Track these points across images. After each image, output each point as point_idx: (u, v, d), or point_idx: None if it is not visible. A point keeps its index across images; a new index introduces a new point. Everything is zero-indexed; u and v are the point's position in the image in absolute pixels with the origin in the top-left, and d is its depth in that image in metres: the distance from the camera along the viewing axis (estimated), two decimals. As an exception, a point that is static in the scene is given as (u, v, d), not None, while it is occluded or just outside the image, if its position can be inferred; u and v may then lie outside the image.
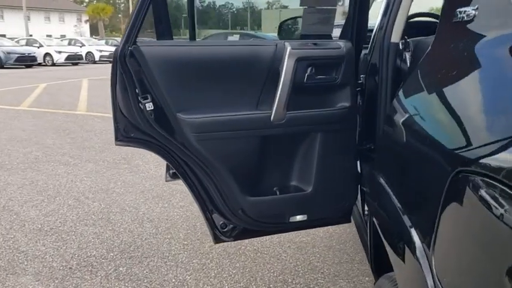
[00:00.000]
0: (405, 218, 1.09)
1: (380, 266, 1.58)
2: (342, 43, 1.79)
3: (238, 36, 15.45)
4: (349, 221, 2.06)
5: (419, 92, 1.25)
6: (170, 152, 1.74)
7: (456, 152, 0.85)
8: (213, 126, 1.70)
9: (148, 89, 1.64)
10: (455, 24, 1.09)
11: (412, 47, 1.76)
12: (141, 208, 3.43)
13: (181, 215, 3.28)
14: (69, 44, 24.89)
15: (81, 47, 23.99)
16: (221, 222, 1.87)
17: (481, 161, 0.75)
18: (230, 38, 15.07)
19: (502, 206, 0.68)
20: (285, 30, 3.13)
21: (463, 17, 1.03)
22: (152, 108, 1.64)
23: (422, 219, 1.01)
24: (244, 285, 2.38)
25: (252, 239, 2.71)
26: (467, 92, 0.92)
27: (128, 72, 1.60)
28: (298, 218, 1.88)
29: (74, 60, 22.18)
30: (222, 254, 2.69)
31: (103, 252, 2.73)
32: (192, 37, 2.00)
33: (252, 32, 21.97)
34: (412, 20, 2.59)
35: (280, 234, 2.80)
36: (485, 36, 0.96)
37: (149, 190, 3.83)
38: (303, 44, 1.77)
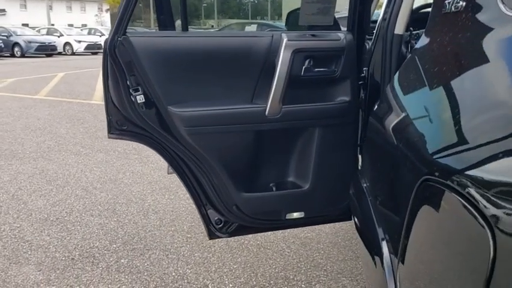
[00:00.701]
0: (379, 229, 1.03)
1: None
2: (342, 34, 1.72)
3: (255, 26, 15.32)
4: (350, 219, 1.99)
5: (401, 88, 1.17)
6: (163, 145, 1.70)
7: (425, 157, 0.78)
8: (205, 120, 1.65)
9: (139, 81, 1.60)
10: (444, 16, 1.02)
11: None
12: (148, 199, 3.42)
13: (187, 207, 3.26)
14: (89, 33, 25.11)
15: (100, 36, 24.14)
16: (216, 218, 1.83)
17: (449, 170, 0.68)
18: (247, 28, 14.99)
19: (464, 219, 0.62)
20: (293, 20, 3.04)
21: (451, 9, 0.95)
22: (143, 100, 1.60)
23: (391, 228, 0.95)
24: (244, 280, 2.35)
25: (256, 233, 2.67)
26: (441, 92, 0.85)
27: (118, 63, 1.56)
28: (295, 215, 1.83)
29: (93, 49, 22.35)
30: (224, 248, 2.66)
31: (106, 244, 2.73)
32: (184, 28, 1.95)
33: (271, 22, 21.71)
34: (423, 10, 2.49)
35: (285, 230, 2.75)
36: (472, 29, 0.88)
37: (157, 181, 3.82)
38: (300, 35, 1.70)
